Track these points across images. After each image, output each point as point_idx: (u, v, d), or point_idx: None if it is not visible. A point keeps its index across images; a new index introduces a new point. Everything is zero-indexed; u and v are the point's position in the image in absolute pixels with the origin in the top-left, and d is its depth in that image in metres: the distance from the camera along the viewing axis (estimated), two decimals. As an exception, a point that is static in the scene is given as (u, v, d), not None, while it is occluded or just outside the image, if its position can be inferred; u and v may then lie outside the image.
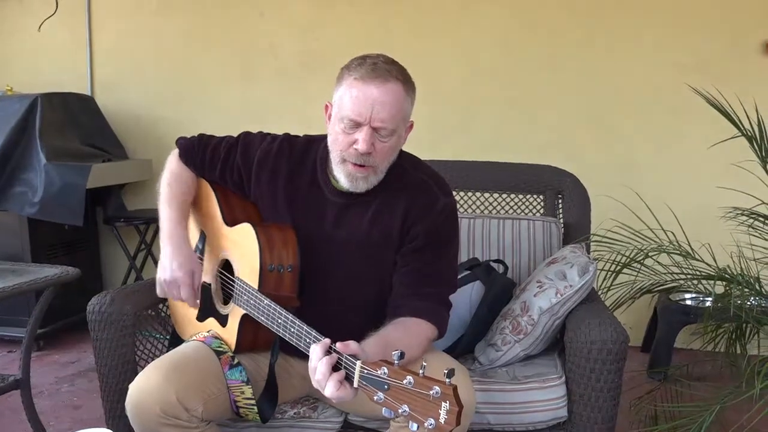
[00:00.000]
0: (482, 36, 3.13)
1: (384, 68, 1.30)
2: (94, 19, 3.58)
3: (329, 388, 1.10)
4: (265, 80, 3.40)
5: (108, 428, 1.15)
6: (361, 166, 1.33)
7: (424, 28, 3.18)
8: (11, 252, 3.01)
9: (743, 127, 1.69)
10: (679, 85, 2.32)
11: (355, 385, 1.08)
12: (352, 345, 1.12)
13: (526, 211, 2.17)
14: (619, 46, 2.99)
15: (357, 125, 1.30)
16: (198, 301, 1.46)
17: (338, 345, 1.12)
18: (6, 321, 3.00)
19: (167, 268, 1.41)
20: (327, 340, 1.14)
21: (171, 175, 1.53)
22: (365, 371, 1.06)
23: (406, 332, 1.29)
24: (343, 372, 1.11)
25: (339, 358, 1.11)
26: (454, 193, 1.49)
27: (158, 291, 1.45)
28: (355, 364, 1.08)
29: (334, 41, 3.27)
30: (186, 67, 3.49)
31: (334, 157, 1.36)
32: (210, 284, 1.51)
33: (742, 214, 1.76)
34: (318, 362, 1.12)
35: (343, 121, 1.31)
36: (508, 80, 3.12)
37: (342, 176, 1.36)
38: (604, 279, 1.85)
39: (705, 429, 1.59)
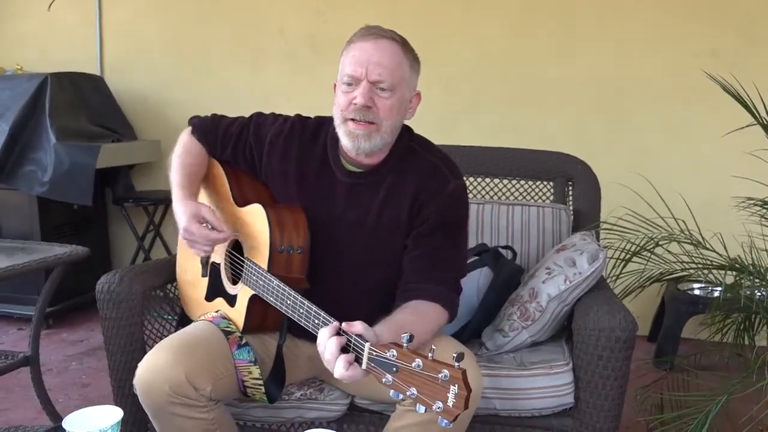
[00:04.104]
0: (492, 20, 3.10)
1: (379, 29, 1.34)
2: (104, -1, 3.57)
3: (338, 367, 1.10)
4: (274, 63, 3.39)
5: (116, 406, 1.16)
6: (361, 122, 1.32)
7: (433, 13, 3.15)
8: (21, 231, 3.03)
9: (759, 115, 1.66)
10: (693, 72, 2.29)
11: (364, 367, 1.08)
12: (357, 325, 1.12)
13: (536, 197, 2.16)
14: (632, 30, 2.95)
15: (355, 81, 1.32)
16: (224, 234, 1.39)
17: (343, 325, 1.12)
18: (16, 299, 3.03)
19: (178, 223, 1.41)
20: (336, 323, 1.15)
21: (182, 148, 1.54)
22: (374, 353, 1.06)
23: (417, 316, 1.29)
24: (352, 355, 1.11)
25: (348, 340, 1.11)
26: (464, 178, 1.49)
27: (195, 252, 1.43)
28: (364, 346, 1.08)
29: (343, 24, 3.21)
30: (196, 49, 3.48)
31: (337, 120, 1.36)
32: (219, 264, 1.51)
33: (755, 204, 1.74)
34: (326, 342, 1.12)
35: (343, 80, 1.33)
36: (519, 65, 3.09)
37: (344, 137, 1.35)
38: (613, 267, 1.84)
39: (711, 419, 1.59)
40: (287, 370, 1.43)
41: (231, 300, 1.47)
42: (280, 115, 1.52)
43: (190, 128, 1.57)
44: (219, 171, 1.55)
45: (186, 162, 1.51)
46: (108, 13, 3.57)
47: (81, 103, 3.25)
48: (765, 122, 1.66)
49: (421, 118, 1.43)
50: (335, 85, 1.39)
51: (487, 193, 2.18)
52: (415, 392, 0.99)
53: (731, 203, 1.78)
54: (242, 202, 1.47)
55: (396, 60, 1.32)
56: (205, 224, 1.38)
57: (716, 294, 2.34)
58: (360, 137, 1.33)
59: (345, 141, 1.36)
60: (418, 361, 0.99)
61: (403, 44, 1.35)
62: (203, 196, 1.58)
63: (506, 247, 1.90)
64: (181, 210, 1.41)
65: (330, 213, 1.42)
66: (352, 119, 1.33)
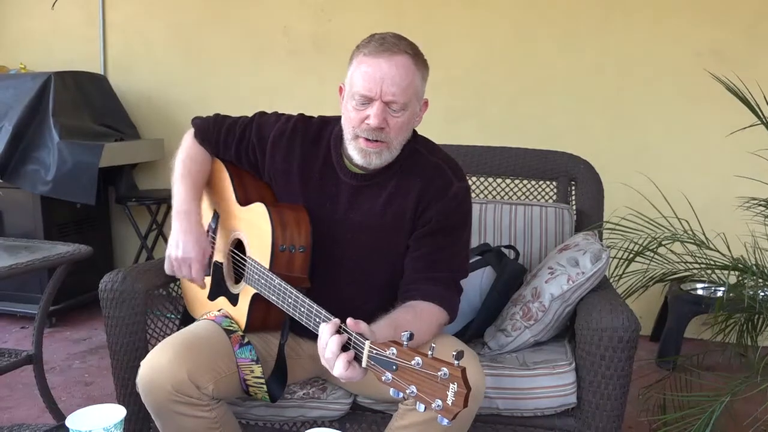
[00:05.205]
0: (496, 20, 3.10)
1: (392, 42, 1.31)
2: (107, -2, 3.58)
3: (338, 367, 1.10)
4: (278, 61, 3.39)
5: (119, 405, 1.16)
6: (373, 141, 1.32)
7: (437, 11, 3.15)
8: (24, 229, 3.04)
9: (763, 114, 1.66)
10: (697, 72, 2.29)
11: (364, 364, 1.08)
12: (362, 324, 1.12)
13: (539, 197, 2.16)
14: (636, 30, 2.95)
15: (368, 100, 1.30)
16: (206, 282, 1.47)
17: (349, 321, 1.12)
18: (19, 297, 3.04)
19: (180, 245, 1.42)
20: (337, 320, 1.15)
21: (186, 153, 1.54)
22: (374, 351, 1.06)
23: (416, 316, 1.29)
24: (352, 352, 1.11)
25: (348, 338, 1.11)
26: (467, 178, 1.48)
27: (167, 268, 1.46)
28: (364, 344, 1.08)
29: (347, 23, 3.25)
30: (199, 47, 3.49)
31: (347, 134, 1.36)
32: (222, 263, 1.51)
33: (759, 204, 1.73)
34: (328, 341, 1.12)
35: (355, 97, 1.31)
36: (522, 65, 3.09)
37: (355, 153, 1.35)
38: (616, 267, 1.84)
39: (714, 419, 1.59)
40: (289, 369, 1.43)
41: (233, 299, 1.47)
42: (282, 114, 1.52)
43: (192, 130, 1.57)
44: (222, 170, 1.55)
45: (190, 169, 1.51)
46: (111, 12, 3.57)
47: (84, 102, 3.25)
48: (768, 122, 1.66)
49: (424, 118, 1.43)
50: (341, 88, 1.39)
51: (490, 192, 2.18)
52: (415, 390, 0.99)
53: (735, 203, 1.77)
54: (245, 201, 1.47)
55: (409, 77, 1.30)
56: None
57: (719, 294, 2.34)
58: (371, 155, 1.34)
59: (356, 156, 1.36)
60: (418, 359, 0.99)
61: (415, 56, 1.33)
62: (206, 196, 1.58)
63: (509, 247, 1.90)
64: (193, 239, 1.42)
65: (333, 214, 1.42)
66: (365, 138, 1.33)
